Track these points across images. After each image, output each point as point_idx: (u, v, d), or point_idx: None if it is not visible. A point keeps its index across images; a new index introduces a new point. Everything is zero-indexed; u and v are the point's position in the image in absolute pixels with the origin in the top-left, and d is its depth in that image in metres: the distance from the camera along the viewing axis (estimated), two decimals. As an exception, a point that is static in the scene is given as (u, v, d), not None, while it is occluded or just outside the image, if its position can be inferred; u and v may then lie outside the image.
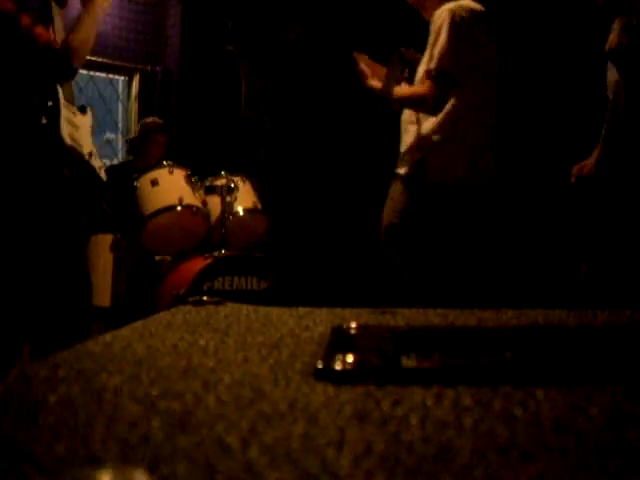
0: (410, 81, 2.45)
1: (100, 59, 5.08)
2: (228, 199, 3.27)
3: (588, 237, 2.34)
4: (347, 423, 0.39)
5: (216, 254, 3.09)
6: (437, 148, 2.33)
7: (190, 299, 0.98)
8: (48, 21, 2.38)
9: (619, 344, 0.66)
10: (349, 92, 2.30)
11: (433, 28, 2.33)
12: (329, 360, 0.52)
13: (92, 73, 5.30)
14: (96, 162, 2.50)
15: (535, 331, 0.76)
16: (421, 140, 2.37)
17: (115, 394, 0.45)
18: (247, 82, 2.50)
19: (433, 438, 0.36)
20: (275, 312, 0.90)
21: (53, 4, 2.40)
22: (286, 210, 3.41)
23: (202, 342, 0.66)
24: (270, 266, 3.13)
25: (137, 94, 5.56)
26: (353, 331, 0.70)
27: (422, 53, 2.41)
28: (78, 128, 2.49)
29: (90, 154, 2.48)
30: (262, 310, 0.92)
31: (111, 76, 5.51)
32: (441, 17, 2.30)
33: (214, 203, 3.32)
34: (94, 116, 2.72)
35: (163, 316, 0.85)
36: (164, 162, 3.38)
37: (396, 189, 2.39)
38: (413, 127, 2.41)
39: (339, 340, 0.65)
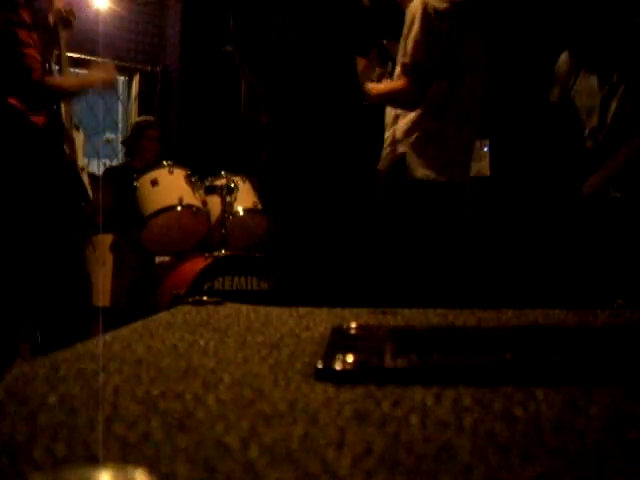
0: (392, 75, 2.42)
1: (100, 59, 5.09)
2: (228, 199, 3.28)
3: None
4: (347, 423, 0.39)
5: (216, 254, 3.09)
6: (415, 145, 2.30)
7: (190, 299, 0.98)
8: (55, 42, 2.57)
9: (619, 344, 0.66)
10: (349, 91, 2.30)
11: (407, 19, 2.28)
12: (329, 360, 0.52)
13: (92, 73, 5.30)
14: (85, 177, 2.60)
15: (535, 331, 0.76)
16: (400, 137, 2.34)
17: (115, 394, 0.45)
18: (247, 82, 2.50)
19: (433, 438, 0.36)
20: (275, 312, 0.90)
21: (60, 26, 2.53)
22: (286, 210, 3.41)
23: (202, 342, 0.66)
24: (270, 266, 3.13)
25: (137, 94, 5.56)
26: (353, 331, 0.70)
27: None
28: (73, 142, 2.58)
29: (82, 169, 2.57)
30: (262, 310, 0.92)
31: (111, 76, 5.51)
32: (414, 8, 2.25)
33: (214, 203, 3.33)
34: (86, 136, 2.87)
35: (163, 316, 0.85)
36: (164, 162, 3.38)
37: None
38: (393, 124, 2.39)
39: (339, 340, 0.65)
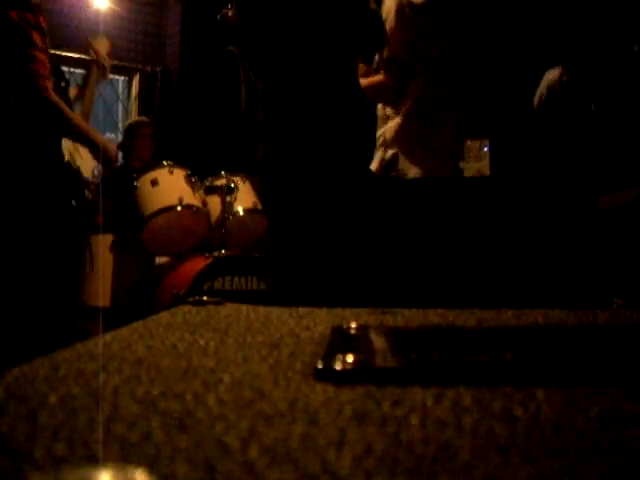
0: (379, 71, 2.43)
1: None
2: (228, 199, 3.28)
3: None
4: (347, 423, 0.39)
5: (216, 254, 3.09)
6: (404, 146, 2.31)
7: (190, 299, 0.98)
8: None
9: (619, 344, 0.66)
10: (348, 91, 2.30)
11: (384, 14, 2.29)
12: (329, 360, 0.52)
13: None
14: (87, 193, 2.59)
15: (535, 331, 0.76)
16: (390, 138, 2.35)
17: (115, 394, 0.45)
18: (247, 81, 2.50)
19: (433, 438, 0.36)
20: (275, 312, 0.90)
21: (96, 71, 2.62)
22: (283, 208, 3.41)
23: (202, 342, 0.66)
24: (270, 266, 3.13)
25: (137, 94, 5.56)
26: (353, 331, 0.70)
27: None
28: (78, 149, 2.55)
29: (85, 182, 2.57)
30: (262, 310, 0.92)
31: (111, 76, 5.51)
32: (390, 2, 2.27)
33: (214, 203, 3.32)
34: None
35: (163, 316, 0.85)
36: (164, 162, 3.38)
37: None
38: (383, 124, 2.41)
39: (339, 340, 0.65)
